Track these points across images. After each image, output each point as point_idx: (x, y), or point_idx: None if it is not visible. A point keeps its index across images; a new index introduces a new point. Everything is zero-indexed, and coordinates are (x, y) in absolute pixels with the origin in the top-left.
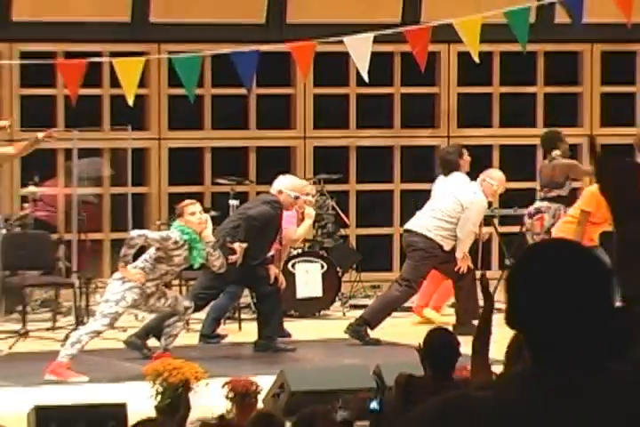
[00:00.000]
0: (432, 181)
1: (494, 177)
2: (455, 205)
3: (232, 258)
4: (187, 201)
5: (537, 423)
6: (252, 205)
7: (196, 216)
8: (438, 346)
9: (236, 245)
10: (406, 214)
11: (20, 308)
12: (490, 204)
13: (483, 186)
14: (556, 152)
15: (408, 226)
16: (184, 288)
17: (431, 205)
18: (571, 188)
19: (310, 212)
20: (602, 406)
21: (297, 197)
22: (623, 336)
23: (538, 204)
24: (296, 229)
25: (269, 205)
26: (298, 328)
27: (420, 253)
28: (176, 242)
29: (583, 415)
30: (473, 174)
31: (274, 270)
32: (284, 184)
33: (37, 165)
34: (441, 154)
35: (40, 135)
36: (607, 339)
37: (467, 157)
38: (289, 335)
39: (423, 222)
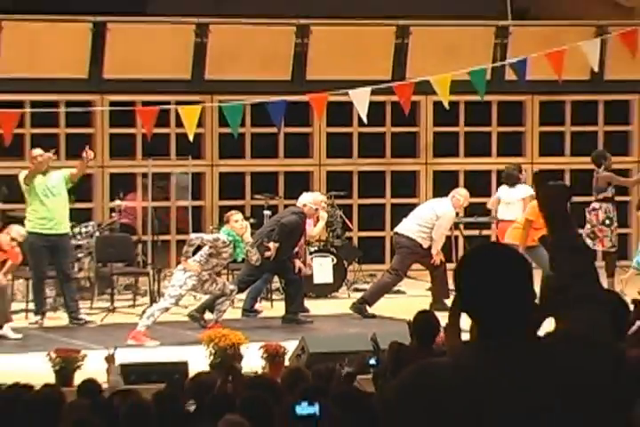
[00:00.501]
0: (414, 196)
1: (461, 194)
2: (431, 215)
3: (267, 254)
4: (232, 211)
5: (483, 383)
6: (284, 215)
7: (238, 223)
8: (422, 323)
9: (271, 245)
10: (395, 221)
11: (109, 291)
12: (457, 214)
13: (452, 201)
14: (601, 168)
15: (397, 229)
16: (230, 276)
17: (414, 214)
18: (613, 191)
19: (323, 215)
20: (534, 367)
21: (317, 209)
22: (538, 314)
23: (593, 204)
24: (313, 229)
25: (297, 215)
26: (315, 306)
27: (405, 250)
28: (224, 242)
29: (520, 376)
30: (443, 193)
31: (298, 263)
32: (307, 199)
33: (122, 184)
34: (506, 171)
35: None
36: (529, 316)
37: (524, 173)
38: (308, 311)
39: (408, 226)
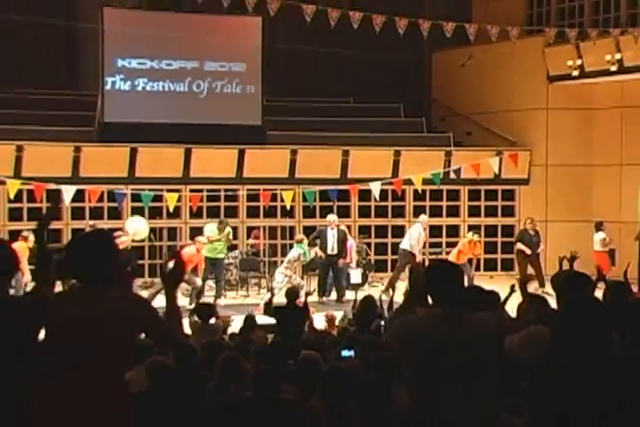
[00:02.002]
0: (402, 236)
1: (424, 218)
2: (415, 234)
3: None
4: (299, 236)
5: (432, 327)
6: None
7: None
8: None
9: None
10: (394, 249)
11: (246, 286)
12: (424, 229)
13: (421, 224)
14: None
15: (400, 245)
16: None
17: (407, 234)
18: None
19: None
20: (469, 327)
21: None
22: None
23: None
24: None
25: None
26: (350, 294)
27: (401, 257)
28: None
29: (458, 332)
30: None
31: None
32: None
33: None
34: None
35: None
36: (458, 298)
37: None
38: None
39: (404, 243)
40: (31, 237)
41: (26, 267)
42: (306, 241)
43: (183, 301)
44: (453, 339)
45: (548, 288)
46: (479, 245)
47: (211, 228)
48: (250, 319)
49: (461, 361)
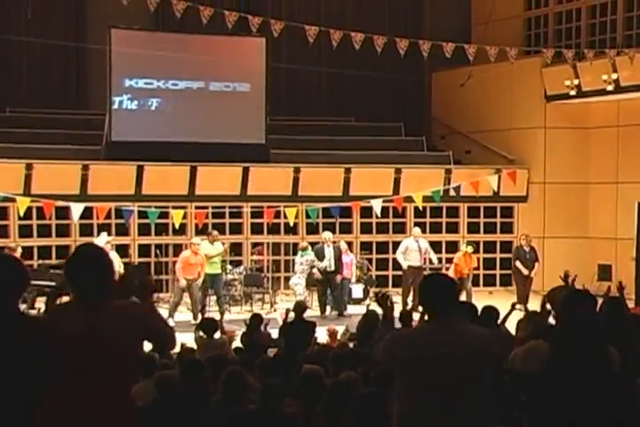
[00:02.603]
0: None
1: (415, 231)
2: (401, 247)
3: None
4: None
5: (426, 340)
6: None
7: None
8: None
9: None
10: (395, 265)
11: (249, 301)
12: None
13: (414, 237)
14: None
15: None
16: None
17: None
18: None
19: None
20: (459, 341)
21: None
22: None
23: None
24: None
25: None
26: (352, 308)
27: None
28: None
29: (448, 345)
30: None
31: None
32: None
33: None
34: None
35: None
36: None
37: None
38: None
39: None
40: (19, 250)
41: None
42: (310, 248)
43: (187, 315)
44: (442, 352)
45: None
46: (474, 257)
47: (204, 244)
48: (255, 318)
49: (448, 374)
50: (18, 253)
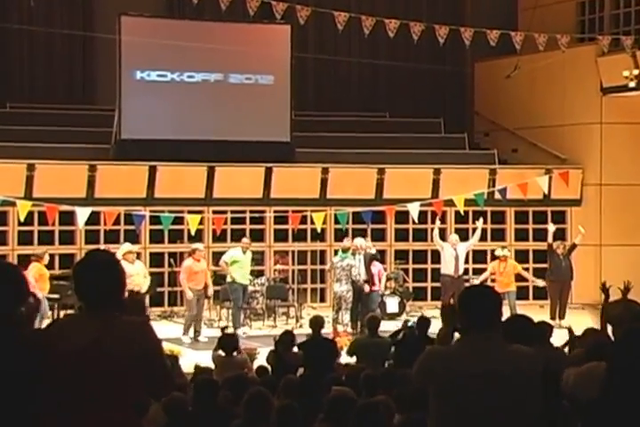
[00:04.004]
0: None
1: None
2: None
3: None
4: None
5: (459, 356)
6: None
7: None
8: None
9: None
10: (435, 276)
11: (273, 315)
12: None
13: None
14: None
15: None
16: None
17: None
18: None
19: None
20: (501, 359)
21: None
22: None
23: None
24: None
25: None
26: (386, 325)
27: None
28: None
29: (488, 364)
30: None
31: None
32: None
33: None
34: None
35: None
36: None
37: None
38: None
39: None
40: (46, 257)
41: (44, 288)
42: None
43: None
44: (481, 371)
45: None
46: (511, 262)
47: (233, 253)
48: (286, 335)
49: (488, 396)
50: (45, 261)
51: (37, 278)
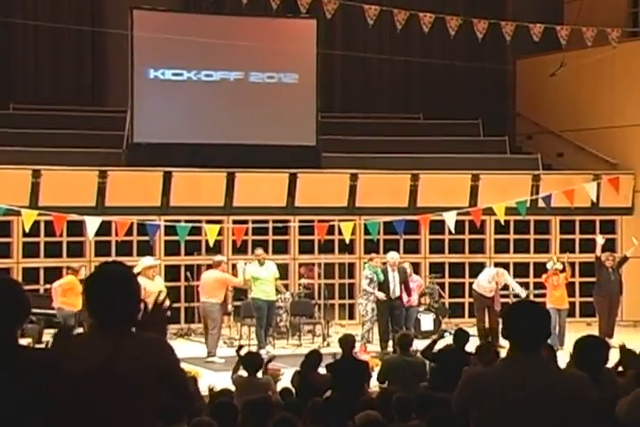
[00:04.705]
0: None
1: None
2: (484, 276)
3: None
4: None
5: (505, 388)
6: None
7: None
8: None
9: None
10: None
11: (297, 333)
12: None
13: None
14: None
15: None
16: None
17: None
18: None
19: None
20: (550, 382)
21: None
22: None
23: None
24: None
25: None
26: (419, 343)
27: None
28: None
29: (540, 382)
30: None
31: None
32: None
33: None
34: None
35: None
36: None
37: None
38: None
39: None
40: (83, 271)
41: (74, 304)
42: (378, 260)
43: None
44: (527, 396)
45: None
46: (560, 274)
47: (251, 268)
48: (313, 355)
49: (534, 424)
50: (82, 275)
51: (66, 291)
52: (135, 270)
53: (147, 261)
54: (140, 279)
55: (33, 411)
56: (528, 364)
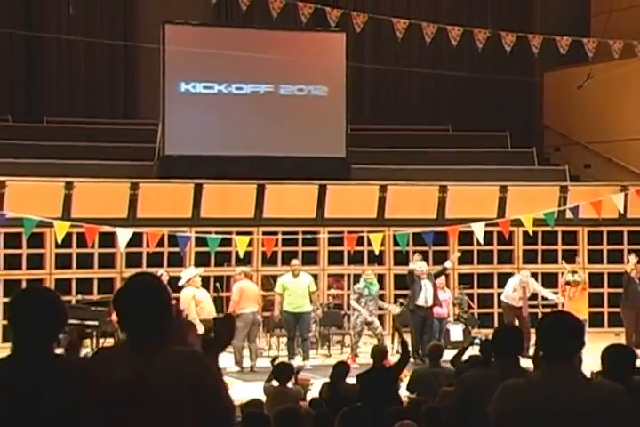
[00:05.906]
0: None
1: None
2: (509, 286)
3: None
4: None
5: (542, 395)
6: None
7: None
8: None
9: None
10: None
11: (327, 343)
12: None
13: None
14: None
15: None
16: None
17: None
18: None
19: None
20: (578, 388)
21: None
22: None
23: None
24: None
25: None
26: (449, 354)
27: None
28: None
29: (574, 395)
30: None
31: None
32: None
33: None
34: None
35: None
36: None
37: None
38: None
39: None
40: (165, 276)
41: None
42: (370, 273)
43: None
44: (561, 409)
45: None
46: (577, 286)
47: (281, 279)
48: (340, 366)
49: None
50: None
51: None
52: (181, 283)
53: (190, 271)
54: (189, 289)
55: (70, 421)
56: (563, 377)
